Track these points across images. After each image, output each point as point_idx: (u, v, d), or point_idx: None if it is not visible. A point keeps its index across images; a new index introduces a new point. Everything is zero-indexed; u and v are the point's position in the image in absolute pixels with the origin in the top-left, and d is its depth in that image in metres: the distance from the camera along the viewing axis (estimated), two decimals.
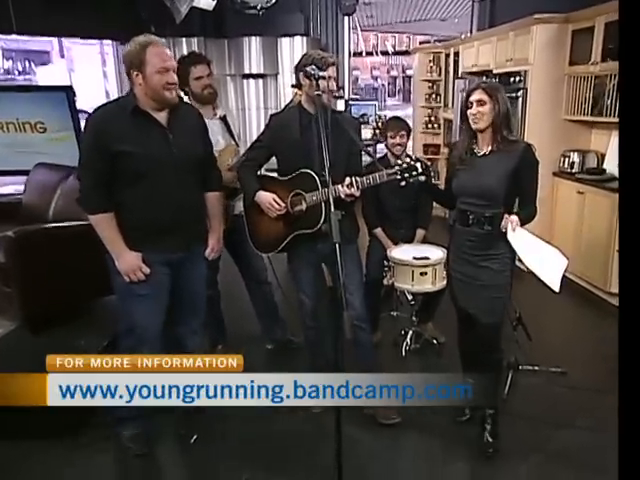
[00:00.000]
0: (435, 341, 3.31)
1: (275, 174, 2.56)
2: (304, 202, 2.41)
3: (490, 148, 2.22)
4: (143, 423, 2.47)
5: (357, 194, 2.33)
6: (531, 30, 4.33)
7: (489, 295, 2.25)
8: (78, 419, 2.52)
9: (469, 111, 2.19)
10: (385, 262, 3.14)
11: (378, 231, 3.32)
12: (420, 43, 7.64)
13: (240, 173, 2.62)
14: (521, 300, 3.18)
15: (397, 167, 2.27)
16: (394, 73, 28.73)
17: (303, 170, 2.39)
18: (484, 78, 5.13)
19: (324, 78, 1.92)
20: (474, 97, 2.17)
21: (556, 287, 2.21)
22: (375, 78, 31.83)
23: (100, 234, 2.17)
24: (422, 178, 2.25)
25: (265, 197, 2.47)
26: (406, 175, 2.26)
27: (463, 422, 2.55)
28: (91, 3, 5.19)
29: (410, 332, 3.28)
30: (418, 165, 2.25)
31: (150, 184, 2.13)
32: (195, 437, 2.50)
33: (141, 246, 2.19)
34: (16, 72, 11.50)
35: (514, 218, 2.15)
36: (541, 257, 2.22)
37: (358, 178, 2.31)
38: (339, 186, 2.31)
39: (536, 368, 3.02)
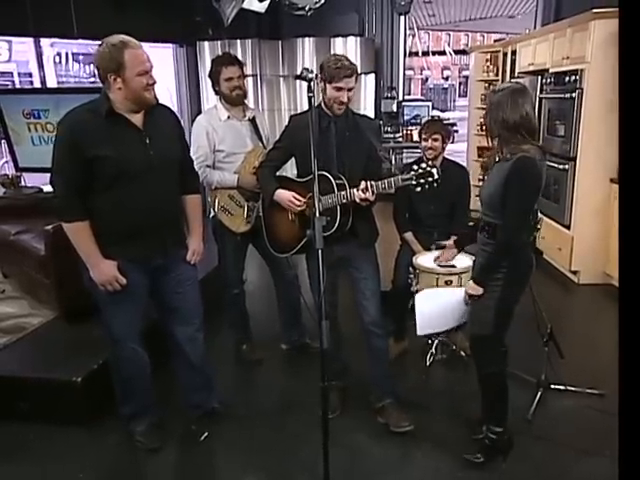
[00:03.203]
0: (463, 353, 3.17)
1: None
2: (320, 205, 2.38)
3: (499, 156, 2.11)
4: (154, 419, 2.53)
5: (372, 199, 2.29)
6: (589, 26, 4.05)
7: (476, 305, 2.16)
8: (99, 408, 2.63)
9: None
10: (411, 269, 3.04)
11: (408, 235, 3.22)
12: (495, 41, 7.37)
13: (259, 174, 2.63)
14: (558, 315, 2.98)
15: (412, 172, 2.22)
16: (466, 73, 28.04)
17: (320, 172, 2.35)
18: (539, 78, 4.90)
19: (312, 80, 1.87)
20: None
21: (419, 329, 2.47)
22: (446, 78, 31.18)
23: (75, 244, 2.12)
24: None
25: (285, 195, 2.47)
26: (421, 181, 2.20)
27: (478, 440, 2.42)
28: (149, 8, 5.38)
29: (436, 341, 3.17)
30: (434, 171, 2.19)
31: (127, 188, 2.08)
32: (206, 434, 2.53)
33: (117, 254, 2.14)
34: (84, 75, 12.17)
35: (472, 286, 2.16)
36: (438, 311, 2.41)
37: (373, 182, 2.26)
38: (354, 190, 2.28)
39: (570, 389, 2.82)
